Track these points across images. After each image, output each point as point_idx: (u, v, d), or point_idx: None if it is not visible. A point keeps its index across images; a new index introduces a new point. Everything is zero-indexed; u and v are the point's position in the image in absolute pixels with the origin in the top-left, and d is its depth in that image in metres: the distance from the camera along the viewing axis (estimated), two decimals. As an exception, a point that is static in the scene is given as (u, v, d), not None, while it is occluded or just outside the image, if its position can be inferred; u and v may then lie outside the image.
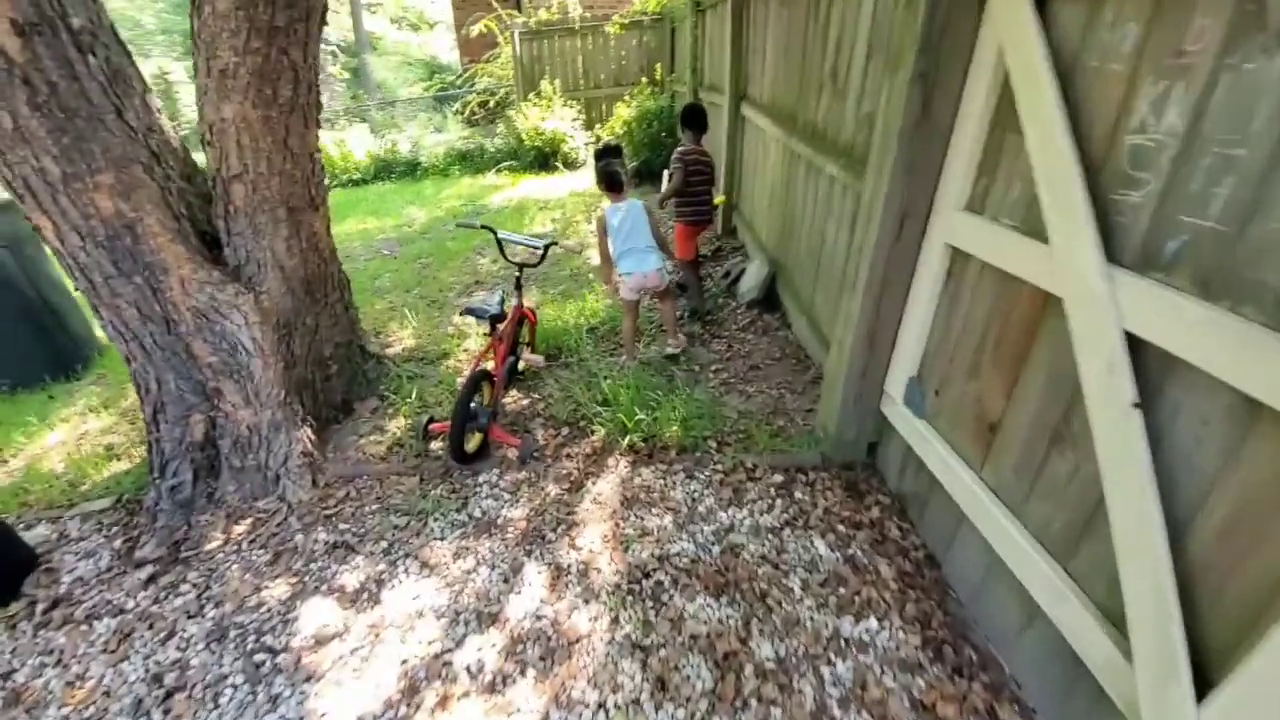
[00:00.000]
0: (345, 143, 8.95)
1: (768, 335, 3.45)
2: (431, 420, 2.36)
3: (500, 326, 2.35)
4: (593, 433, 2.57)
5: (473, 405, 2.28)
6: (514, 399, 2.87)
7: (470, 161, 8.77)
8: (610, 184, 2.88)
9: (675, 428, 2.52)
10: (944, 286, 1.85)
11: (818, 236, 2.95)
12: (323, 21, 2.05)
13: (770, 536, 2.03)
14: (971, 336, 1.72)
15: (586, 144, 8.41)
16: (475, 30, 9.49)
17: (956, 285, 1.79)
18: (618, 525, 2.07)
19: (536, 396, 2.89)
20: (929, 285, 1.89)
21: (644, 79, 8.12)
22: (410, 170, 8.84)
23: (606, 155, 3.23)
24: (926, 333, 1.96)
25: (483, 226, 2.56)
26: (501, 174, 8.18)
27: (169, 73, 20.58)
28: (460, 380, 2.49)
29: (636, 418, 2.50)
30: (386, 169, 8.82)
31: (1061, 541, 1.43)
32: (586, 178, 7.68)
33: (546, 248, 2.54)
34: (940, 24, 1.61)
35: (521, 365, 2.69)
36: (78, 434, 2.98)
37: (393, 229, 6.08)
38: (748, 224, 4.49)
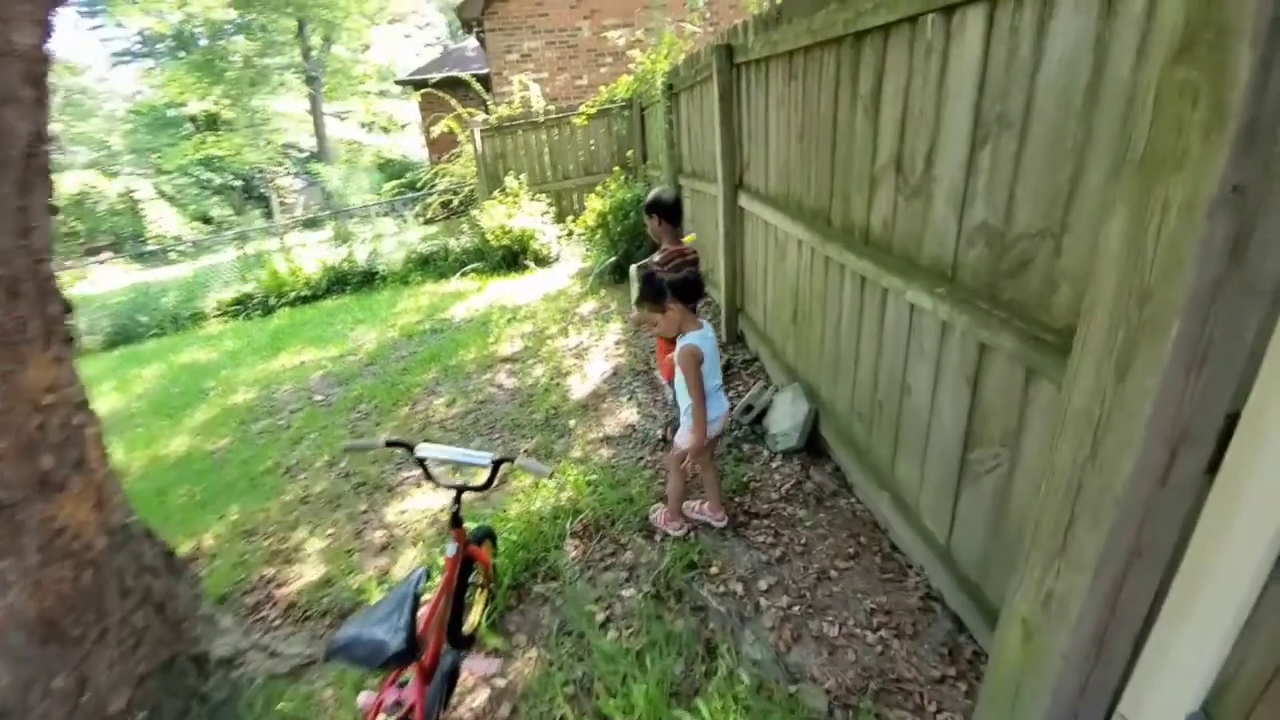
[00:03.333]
0: (292, 254, 8.19)
1: (824, 508, 2.45)
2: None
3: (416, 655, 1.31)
4: (592, 779, 1.50)
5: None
6: (460, 686, 1.79)
7: (433, 266, 8.02)
8: (690, 293, 2.09)
9: (733, 759, 1.47)
10: (1275, 579, 0.90)
11: (893, 383, 2.04)
12: (35, 176, 1.14)
13: None
14: None
15: (559, 238, 7.73)
16: (435, 131, 9.06)
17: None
18: None
19: (500, 682, 1.82)
20: (1241, 572, 0.94)
21: (616, 167, 7.58)
22: (367, 280, 8.04)
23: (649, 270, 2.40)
24: (1229, 647, 0.99)
25: (389, 444, 1.58)
26: (467, 277, 7.39)
27: (134, 190, 20.35)
28: (361, 703, 1.42)
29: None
30: (340, 281, 8.01)
31: None
32: (560, 275, 6.91)
33: (497, 465, 1.57)
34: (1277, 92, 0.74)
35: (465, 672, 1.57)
36: None
37: (334, 360, 5.13)
38: (761, 335, 3.62)
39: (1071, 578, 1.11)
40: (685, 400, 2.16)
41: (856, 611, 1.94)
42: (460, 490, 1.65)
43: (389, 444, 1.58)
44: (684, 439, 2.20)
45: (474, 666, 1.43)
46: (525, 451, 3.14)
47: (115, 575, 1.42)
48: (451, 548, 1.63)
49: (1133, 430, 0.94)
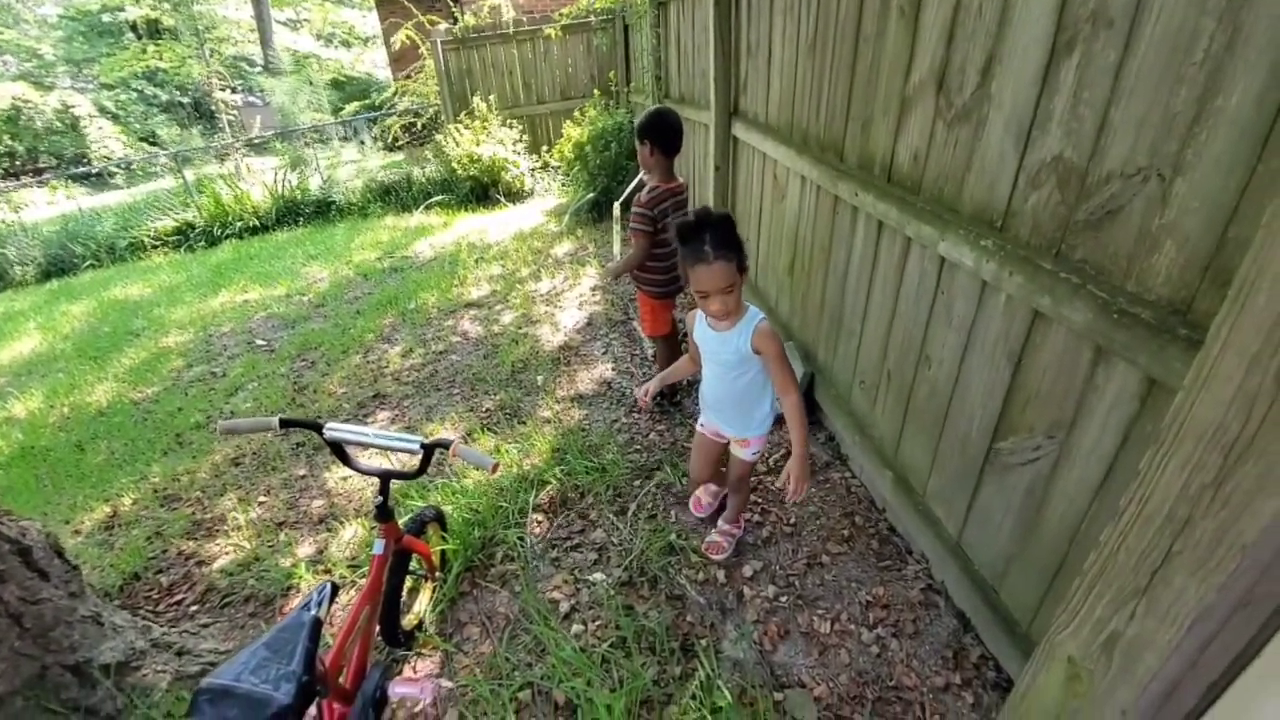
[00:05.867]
0: (235, 178, 7.44)
1: (816, 481, 2.23)
2: None
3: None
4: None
5: None
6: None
7: (395, 197, 7.36)
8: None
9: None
10: None
11: (908, 351, 1.76)
12: None
13: None
14: None
15: (532, 170, 7.12)
16: (396, 44, 8.11)
17: None
18: None
19: (446, 684, 1.59)
20: None
21: (596, 90, 6.89)
22: (321, 211, 7.38)
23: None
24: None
25: (285, 424, 1.24)
26: (432, 211, 6.80)
27: (74, 106, 18.46)
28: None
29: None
30: (293, 212, 7.33)
31: None
32: (534, 211, 6.39)
33: (429, 451, 1.26)
34: None
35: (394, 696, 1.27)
36: None
37: (281, 300, 4.67)
38: (751, 286, 3.29)
39: (1151, 626, 0.88)
40: (761, 397, 1.61)
41: (851, 604, 1.74)
42: (386, 476, 1.35)
43: (285, 424, 1.25)
44: (759, 450, 1.75)
45: (399, 691, 1.17)
46: (487, 411, 2.84)
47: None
48: (379, 545, 1.34)
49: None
